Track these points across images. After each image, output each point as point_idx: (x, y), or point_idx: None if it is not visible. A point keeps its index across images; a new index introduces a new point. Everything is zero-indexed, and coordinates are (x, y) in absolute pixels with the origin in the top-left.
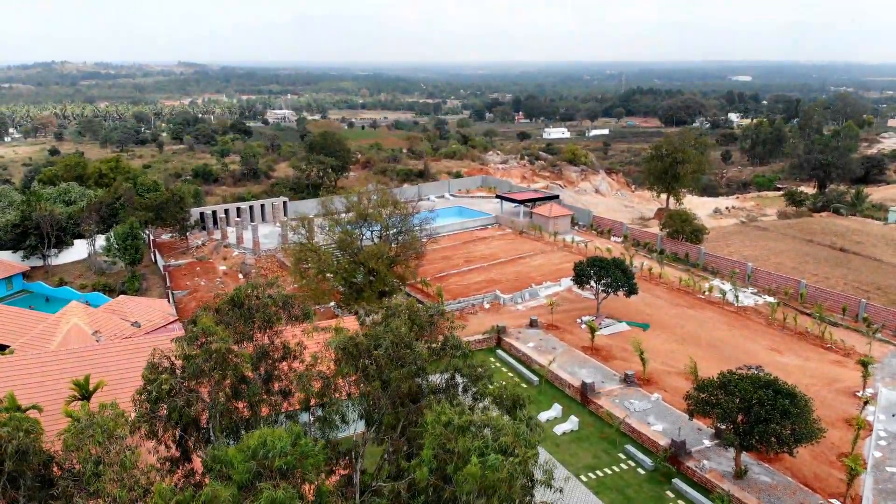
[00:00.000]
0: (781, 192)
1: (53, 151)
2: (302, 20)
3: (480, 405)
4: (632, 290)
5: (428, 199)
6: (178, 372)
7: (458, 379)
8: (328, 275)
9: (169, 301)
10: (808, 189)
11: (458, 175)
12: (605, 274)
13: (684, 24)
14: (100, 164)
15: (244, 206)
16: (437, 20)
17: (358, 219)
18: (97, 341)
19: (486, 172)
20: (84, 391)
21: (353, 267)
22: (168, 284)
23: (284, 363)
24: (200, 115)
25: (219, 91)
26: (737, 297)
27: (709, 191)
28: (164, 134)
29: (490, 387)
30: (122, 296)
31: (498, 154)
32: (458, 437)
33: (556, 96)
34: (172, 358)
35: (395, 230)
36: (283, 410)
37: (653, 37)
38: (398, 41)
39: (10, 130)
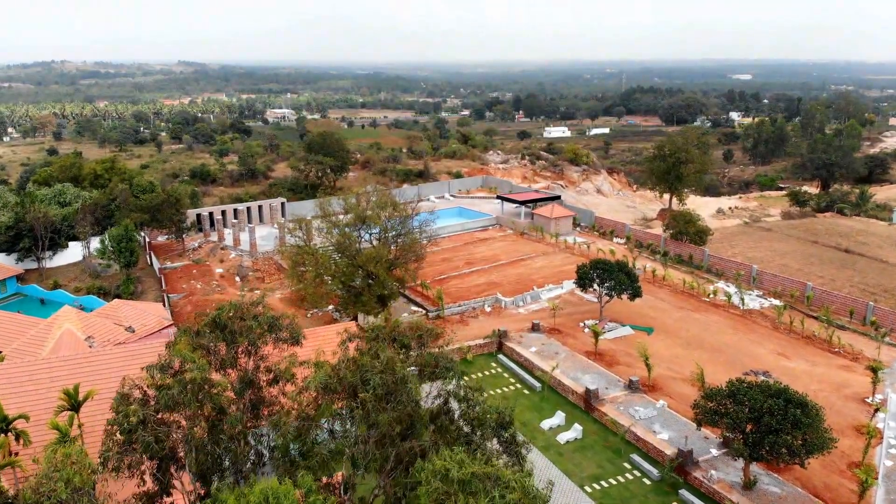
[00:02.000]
0: (784, 192)
1: (52, 151)
2: (302, 19)
3: (479, 434)
4: (636, 294)
5: (428, 199)
6: (150, 402)
7: (453, 404)
8: (326, 278)
9: (164, 305)
10: (811, 189)
11: (458, 175)
12: (609, 277)
13: (684, 24)
14: (95, 164)
15: (241, 207)
16: (436, 19)
17: (356, 221)
18: (90, 347)
19: (486, 172)
20: (74, 401)
21: (352, 270)
22: (163, 287)
23: (275, 387)
24: (200, 115)
25: (218, 90)
26: (742, 300)
27: (711, 190)
28: (164, 133)
29: (477, 408)
30: (116, 300)
31: (498, 154)
32: (458, 492)
33: (556, 95)
34: (145, 387)
35: (394, 232)
36: (271, 428)
37: (652, 36)
38: (398, 40)
39: (9, 130)
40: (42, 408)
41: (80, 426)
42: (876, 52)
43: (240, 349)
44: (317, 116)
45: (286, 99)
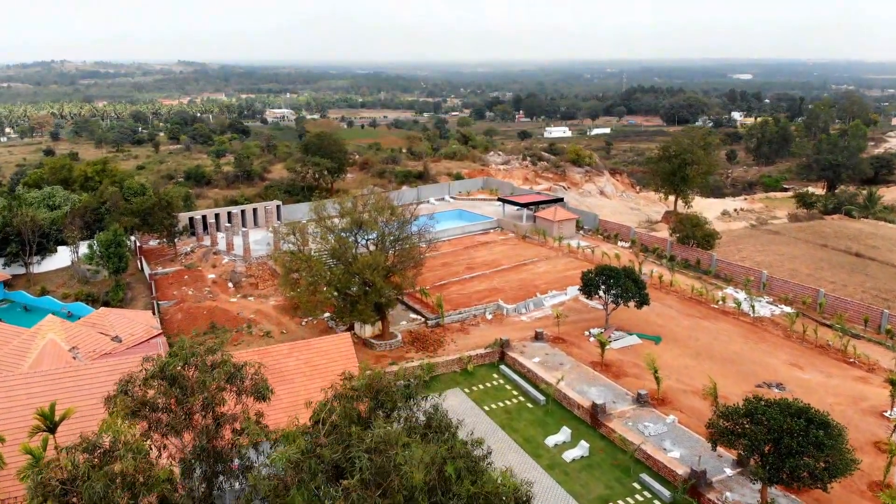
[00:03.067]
0: (790, 193)
1: (48, 152)
2: (302, 19)
3: None
4: (643, 301)
5: (428, 201)
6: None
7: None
8: (321, 286)
9: (154, 312)
10: (816, 189)
11: (458, 177)
12: (615, 284)
13: (684, 23)
14: (86, 166)
15: (235, 210)
16: (436, 19)
17: (352, 226)
18: (74, 358)
19: (487, 174)
20: (49, 422)
21: (347, 277)
22: (153, 294)
23: (243, 436)
24: (199, 115)
25: (218, 90)
26: (753, 307)
27: (714, 192)
28: (162, 134)
29: (485, 477)
30: (103, 308)
31: (499, 155)
32: None
33: (556, 95)
34: (66, 471)
35: (391, 238)
36: None
37: (652, 36)
38: (398, 40)
39: (7, 130)
40: (18, 427)
41: (56, 449)
42: (876, 51)
43: (194, 406)
44: (316, 116)
45: (286, 99)
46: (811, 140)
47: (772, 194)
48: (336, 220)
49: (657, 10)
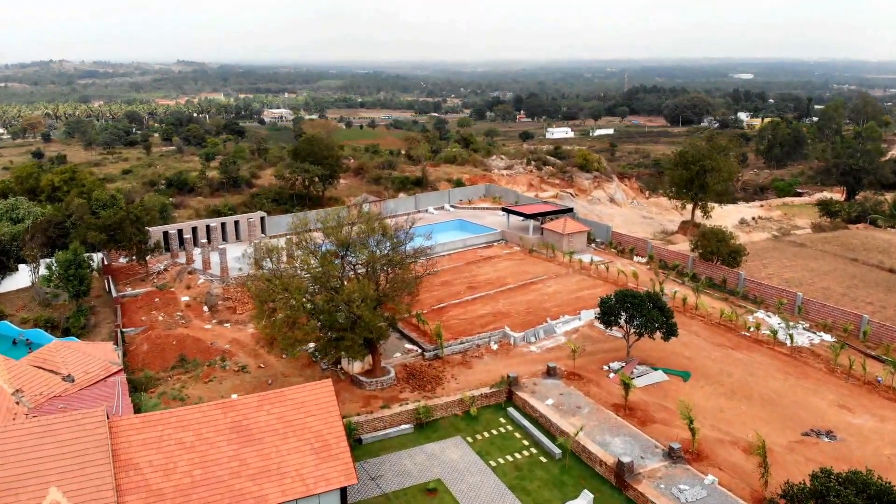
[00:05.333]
0: (807, 199)
1: (38, 154)
2: (302, 19)
3: None
4: (671, 332)
5: (426, 210)
6: None
7: None
8: (301, 319)
9: (117, 342)
10: (833, 195)
11: (459, 183)
12: (638, 312)
13: (684, 23)
14: (52, 175)
15: (215, 222)
16: (437, 18)
17: (339, 247)
18: (18, 403)
19: (489, 179)
20: None
21: (332, 307)
22: (117, 321)
23: None
24: (196, 115)
25: (216, 90)
26: (790, 335)
27: (725, 196)
28: (156, 135)
29: None
30: (54, 341)
31: (502, 159)
32: None
33: (557, 94)
34: None
35: (383, 262)
36: None
37: (652, 35)
38: (398, 40)
39: (0, 131)
40: None
41: None
42: (877, 51)
43: None
44: (315, 116)
45: (284, 99)
46: (825, 142)
47: (788, 200)
48: (318, 237)
49: (657, 10)
